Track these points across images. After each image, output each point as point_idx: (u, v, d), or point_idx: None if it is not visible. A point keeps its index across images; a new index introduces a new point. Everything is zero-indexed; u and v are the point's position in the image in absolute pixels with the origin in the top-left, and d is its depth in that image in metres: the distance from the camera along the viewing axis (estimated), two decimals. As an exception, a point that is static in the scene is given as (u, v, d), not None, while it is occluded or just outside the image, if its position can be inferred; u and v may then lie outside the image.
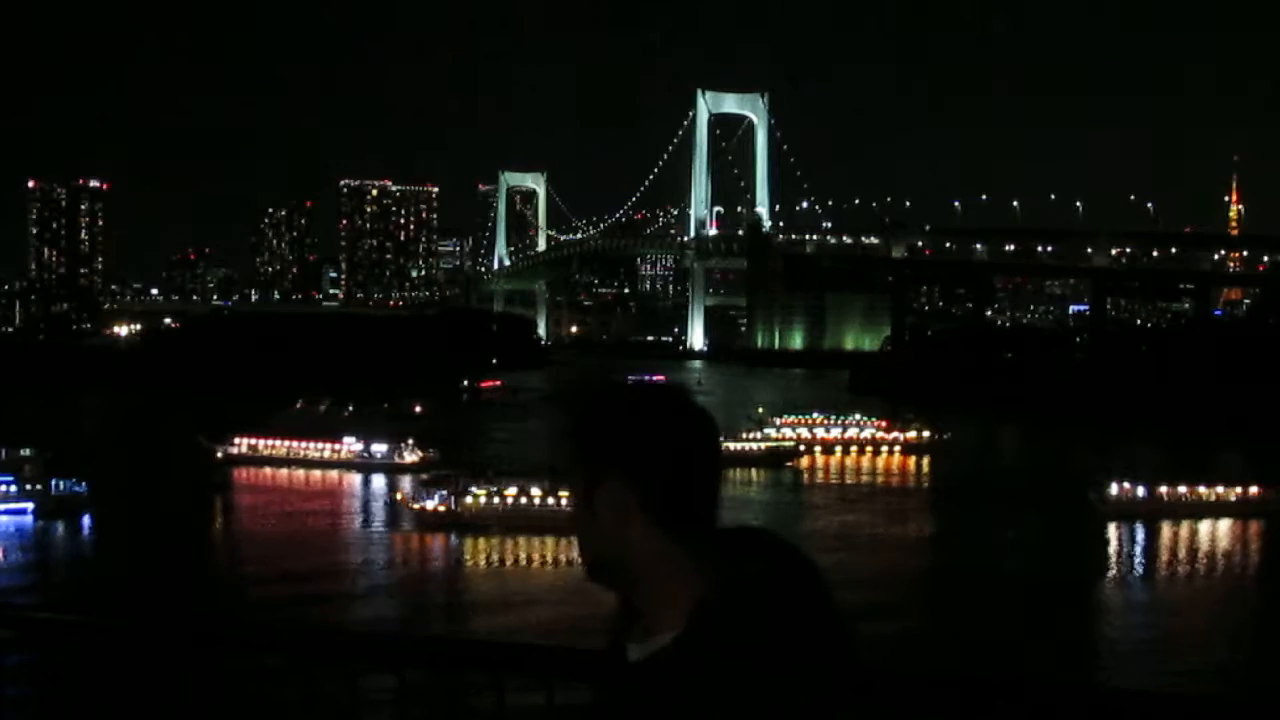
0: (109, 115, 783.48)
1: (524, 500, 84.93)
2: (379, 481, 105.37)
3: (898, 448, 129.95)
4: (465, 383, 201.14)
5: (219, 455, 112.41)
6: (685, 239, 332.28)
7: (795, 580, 3.57)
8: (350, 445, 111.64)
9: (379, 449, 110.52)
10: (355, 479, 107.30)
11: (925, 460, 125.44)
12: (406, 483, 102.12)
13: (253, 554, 76.63)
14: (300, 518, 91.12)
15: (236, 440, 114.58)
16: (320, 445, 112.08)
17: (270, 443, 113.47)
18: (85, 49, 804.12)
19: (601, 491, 3.64)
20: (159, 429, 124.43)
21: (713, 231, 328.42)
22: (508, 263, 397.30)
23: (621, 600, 3.73)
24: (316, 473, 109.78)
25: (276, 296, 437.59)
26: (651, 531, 3.60)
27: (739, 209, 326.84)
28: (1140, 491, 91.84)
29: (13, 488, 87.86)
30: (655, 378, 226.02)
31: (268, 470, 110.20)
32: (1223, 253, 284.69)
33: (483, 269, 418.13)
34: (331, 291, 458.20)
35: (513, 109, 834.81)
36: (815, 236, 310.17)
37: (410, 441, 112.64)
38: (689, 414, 3.70)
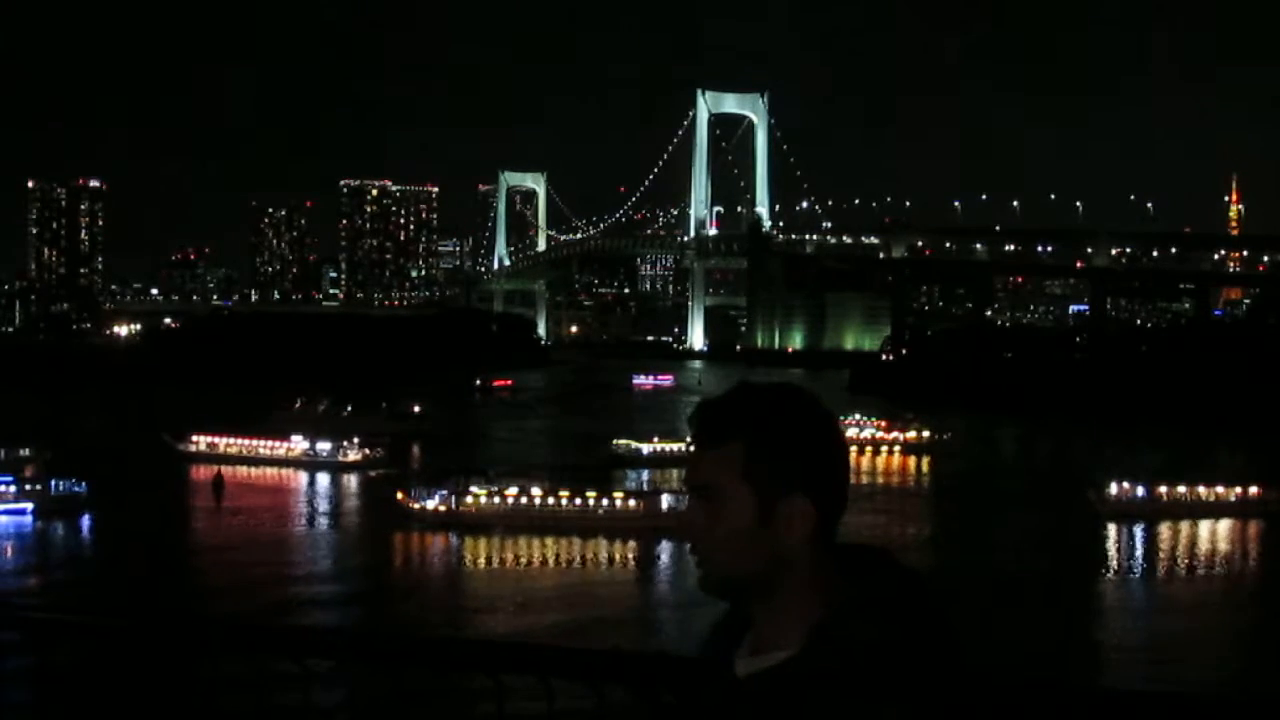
0: (109, 115, 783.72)
1: (524, 500, 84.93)
2: (324, 479, 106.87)
3: (898, 448, 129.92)
4: (478, 381, 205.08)
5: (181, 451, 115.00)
6: (685, 239, 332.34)
7: (917, 607, 3.45)
8: (298, 443, 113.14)
9: (323, 447, 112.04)
10: (303, 476, 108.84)
11: (925, 460, 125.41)
12: (353, 481, 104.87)
13: (240, 554, 76.60)
14: (282, 518, 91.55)
15: (195, 438, 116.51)
16: (271, 443, 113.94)
17: (227, 440, 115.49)
18: (85, 48, 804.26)
19: (787, 506, 3.48)
20: (143, 429, 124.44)
21: (713, 231, 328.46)
22: (508, 263, 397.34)
23: (733, 611, 3.65)
24: (270, 470, 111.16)
25: (276, 296, 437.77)
26: (812, 547, 3.51)
27: (739, 209, 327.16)
28: (1140, 491, 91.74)
29: (12, 488, 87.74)
30: (661, 377, 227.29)
31: (226, 468, 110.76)
32: (1223, 253, 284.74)
33: (483, 269, 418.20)
34: (331, 291, 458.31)
35: (513, 109, 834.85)
36: (815, 236, 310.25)
37: (356, 440, 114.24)
38: (838, 426, 3.62)
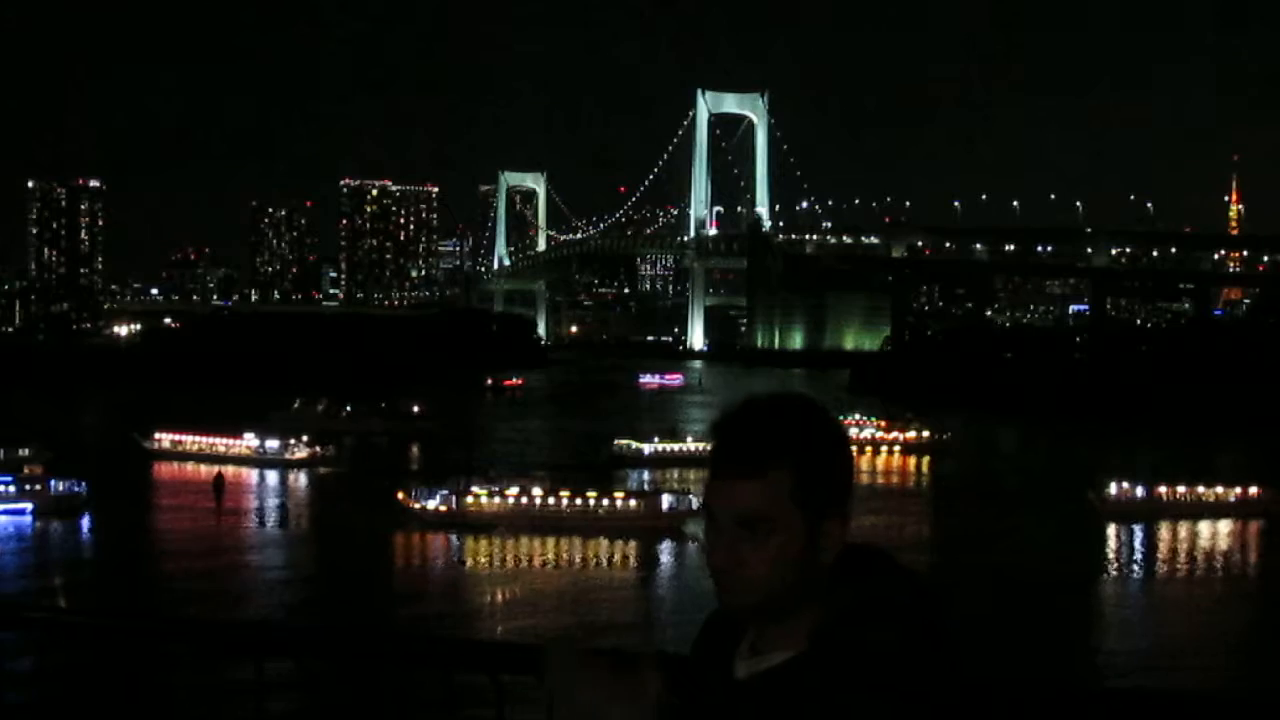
0: (108, 115, 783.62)
1: (525, 500, 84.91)
2: (273, 476, 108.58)
3: (898, 448, 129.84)
4: (489, 381, 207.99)
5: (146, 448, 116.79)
6: (685, 239, 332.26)
7: (918, 608, 3.43)
8: (248, 440, 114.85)
9: (272, 445, 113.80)
10: (253, 473, 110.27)
11: (925, 460, 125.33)
12: (302, 478, 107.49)
13: (225, 554, 76.76)
14: (270, 518, 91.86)
15: (158, 436, 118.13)
16: (226, 441, 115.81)
17: (190, 438, 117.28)
18: (85, 49, 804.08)
19: (831, 527, 3.43)
20: (122, 428, 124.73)
21: (713, 231, 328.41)
22: (508, 263, 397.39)
23: (723, 613, 3.60)
24: (223, 467, 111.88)
25: (276, 296, 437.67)
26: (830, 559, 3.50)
27: (739, 209, 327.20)
28: (1139, 491, 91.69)
29: (12, 488, 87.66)
30: (669, 376, 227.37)
31: (190, 466, 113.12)
32: (1223, 253, 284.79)
33: (483, 269, 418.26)
34: (331, 291, 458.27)
35: (513, 109, 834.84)
36: (815, 236, 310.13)
37: (305, 438, 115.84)
38: (847, 433, 3.59)
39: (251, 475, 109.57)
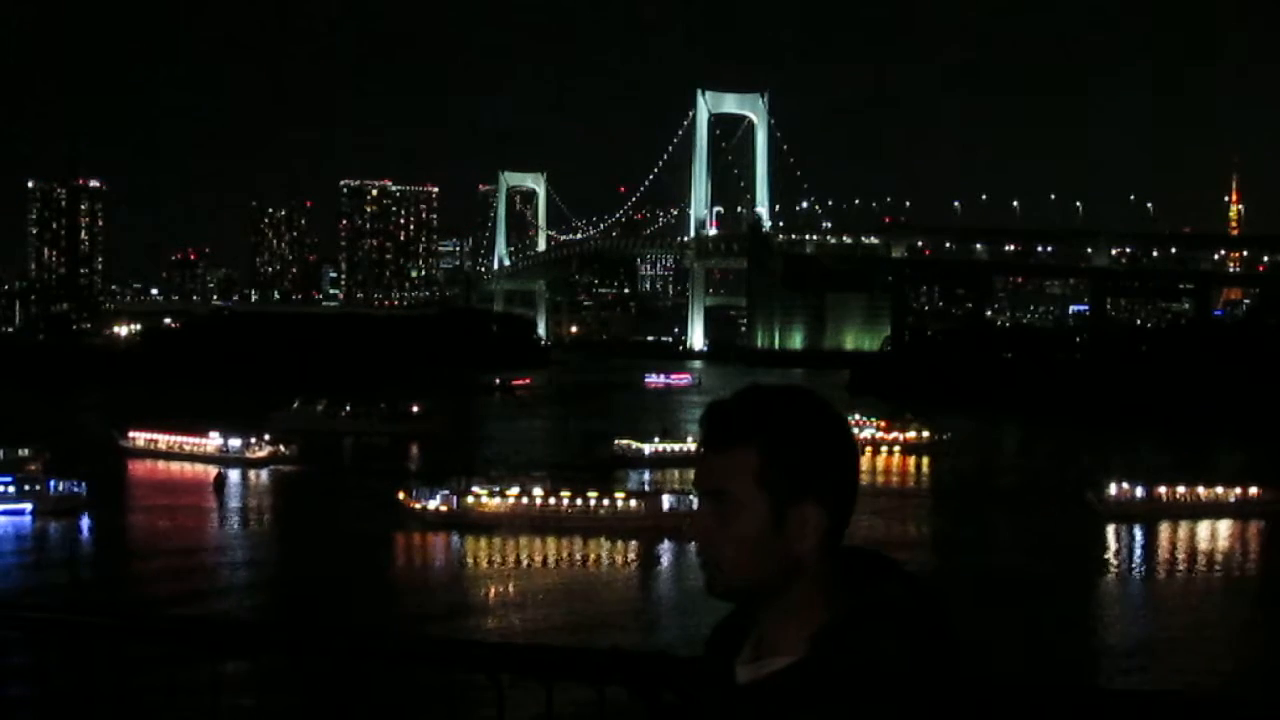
0: (109, 115, 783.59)
1: (526, 500, 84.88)
2: (235, 474, 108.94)
3: (898, 448, 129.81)
4: (496, 381, 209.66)
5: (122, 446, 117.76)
6: (685, 239, 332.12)
7: (921, 613, 3.42)
8: (214, 439, 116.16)
9: (234, 444, 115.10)
10: (216, 471, 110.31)
11: (925, 460, 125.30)
12: (264, 476, 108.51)
13: (220, 554, 76.78)
14: (267, 517, 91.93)
15: (133, 434, 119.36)
16: (195, 440, 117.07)
17: (164, 437, 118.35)
18: (85, 49, 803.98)
19: (799, 512, 3.43)
20: (105, 426, 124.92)
21: (713, 231, 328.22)
22: (508, 263, 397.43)
23: (735, 615, 3.62)
24: (197, 466, 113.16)
25: (276, 296, 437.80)
26: (821, 554, 3.47)
27: (739, 209, 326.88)
28: (1139, 492, 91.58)
29: (11, 488, 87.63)
30: (676, 376, 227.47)
31: (161, 463, 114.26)
32: (1223, 253, 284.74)
33: (483, 269, 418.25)
34: (331, 291, 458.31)
35: (513, 109, 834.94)
36: (815, 236, 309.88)
37: (267, 437, 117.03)
38: (850, 428, 3.57)
39: (214, 473, 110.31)
